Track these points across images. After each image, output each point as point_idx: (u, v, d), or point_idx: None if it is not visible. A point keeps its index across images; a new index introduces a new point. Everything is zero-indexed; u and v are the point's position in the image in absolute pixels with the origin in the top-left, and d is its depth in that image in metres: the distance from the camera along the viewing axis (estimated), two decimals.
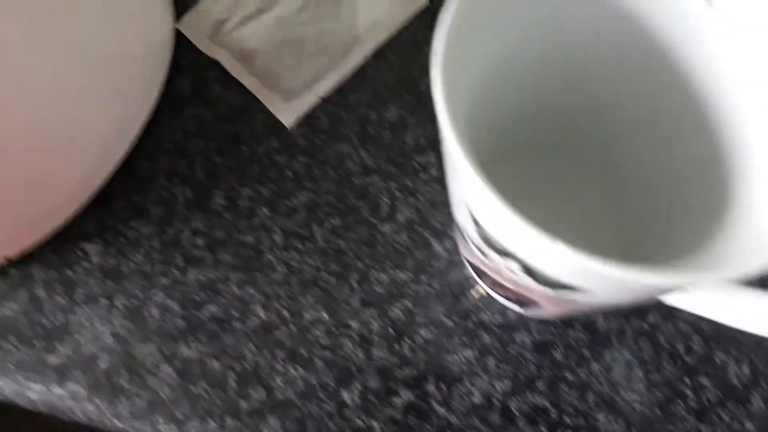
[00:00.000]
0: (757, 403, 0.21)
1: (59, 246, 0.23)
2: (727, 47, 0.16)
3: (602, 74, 0.19)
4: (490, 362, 0.22)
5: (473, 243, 0.18)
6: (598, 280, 0.14)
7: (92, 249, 0.23)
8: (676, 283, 0.13)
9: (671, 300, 0.18)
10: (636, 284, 0.14)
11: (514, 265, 0.16)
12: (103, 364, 0.21)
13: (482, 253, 0.18)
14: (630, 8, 0.17)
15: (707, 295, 0.18)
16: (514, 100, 0.21)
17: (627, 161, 0.22)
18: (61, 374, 0.21)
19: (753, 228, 0.15)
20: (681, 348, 0.22)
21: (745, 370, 0.22)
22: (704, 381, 0.22)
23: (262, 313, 0.22)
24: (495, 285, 0.20)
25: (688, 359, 0.22)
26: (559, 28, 0.18)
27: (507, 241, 0.15)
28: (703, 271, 0.13)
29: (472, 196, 0.15)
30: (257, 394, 0.21)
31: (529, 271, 0.16)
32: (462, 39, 0.15)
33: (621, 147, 0.22)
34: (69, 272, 0.22)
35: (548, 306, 0.20)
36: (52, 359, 0.22)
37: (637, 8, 0.17)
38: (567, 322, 0.22)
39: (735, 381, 0.22)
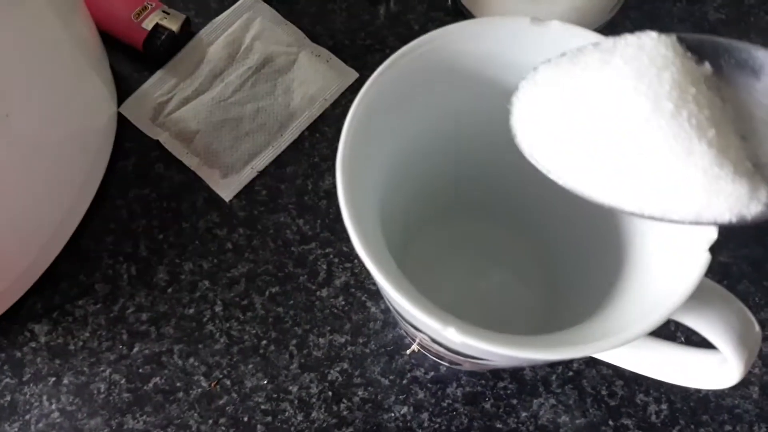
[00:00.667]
0: None
1: (6, 328, 0.23)
2: None
3: (513, 154, 0.21)
4: (425, 416, 0.23)
5: (394, 313, 0.19)
6: (489, 353, 0.15)
7: (39, 329, 0.24)
8: (558, 359, 0.15)
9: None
10: (526, 359, 0.15)
11: (425, 337, 0.18)
12: None
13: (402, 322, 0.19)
14: None
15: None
16: (438, 172, 0.22)
17: (547, 227, 0.24)
18: None
19: (645, 297, 0.17)
20: (604, 392, 0.24)
21: (664, 408, 0.24)
22: (627, 422, 0.23)
23: (204, 383, 0.23)
24: (421, 345, 0.22)
25: (611, 402, 0.24)
26: (468, 113, 0.20)
27: (413, 321, 0.16)
28: (585, 345, 0.15)
29: (377, 282, 0.16)
30: None
31: (437, 342, 0.17)
32: (365, 137, 0.17)
33: (539, 213, 0.23)
34: (17, 353, 0.23)
35: (468, 366, 0.21)
36: None
37: None
38: (495, 373, 0.24)
39: (655, 419, 0.23)
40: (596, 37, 0.17)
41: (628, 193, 0.11)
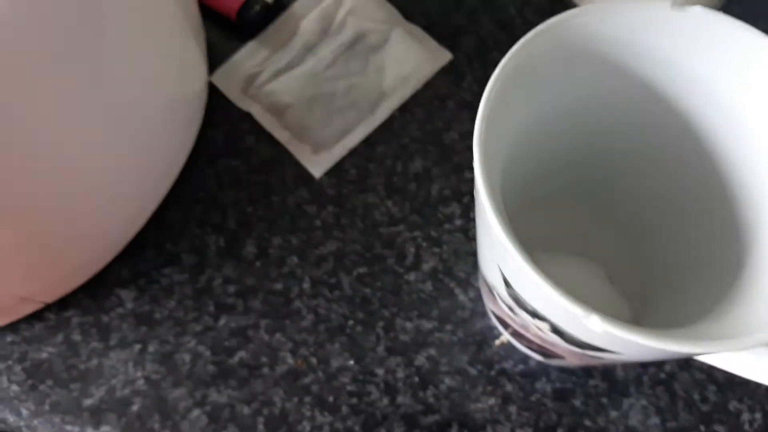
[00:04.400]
0: None
1: (94, 291, 0.23)
2: (757, 127, 0.17)
3: (629, 141, 0.21)
4: (512, 410, 0.22)
5: (502, 300, 0.19)
6: (627, 345, 0.15)
7: (126, 295, 0.23)
8: (700, 352, 0.14)
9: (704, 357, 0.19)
10: (662, 351, 0.15)
11: (543, 326, 0.17)
12: (135, 407, 0.22)
13: (511, 309, 0.19)
14: (654, 83, 0.18)
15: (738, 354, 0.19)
16: (548, 157, 0.22)
17: (653, 221, 0.23)
18: (96, 416, 0.22)
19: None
20: (696, 396, 0.23)
21: (758, 417, 0.23)
22: (719, 428, 0.22)
23: (290, 360, 0.23)
24: (518, 336, 0.21)
25: (703, 407, 0.23)
26: (590, 99, 0.19)
27: (539, 307, 0.16)
28: (725, 341, 0.14)
29: (507, 266, 0.16)
30: None
31: (558, 332, 0.17)
32: (499, 112, 0.16)
33: (649, 208, 0.22)
34: (104, 317, 0.23)
35: (572, 359, 0.20)
36: (87, 402, 0.22)
37: (660, 83, 0.18)
38: (587, 371, 0.23)
39: (748, 428, 0.22)
40: (743, 27, 0.16)
41: None
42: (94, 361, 0.23)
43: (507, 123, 0.17)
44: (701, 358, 0.19)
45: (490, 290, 0.20)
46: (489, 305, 0.22)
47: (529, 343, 0.21)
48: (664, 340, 0.13)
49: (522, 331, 0.20)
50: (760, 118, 0.17)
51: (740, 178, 0.19)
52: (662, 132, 0.20)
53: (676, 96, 0.18)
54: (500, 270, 0.17)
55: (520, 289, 0.16)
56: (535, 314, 0.17)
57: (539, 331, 0.18)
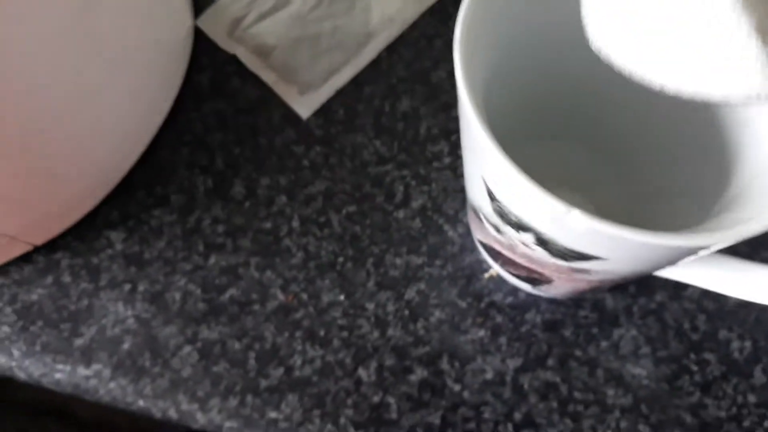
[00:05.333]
0: (758, 376, 0.22)
1: (83, 234, 0.23)
2: None
3: (613, 70, 0.20)
4: (502, 341, 0.22)
5: (488, 220, 0.19)
6: (611, 245, 0.15)
7: (116, 237, 0.23)
8: (682, 245, 0.14)
9: (681, 275, 0.19)
10: (643, 247, 0.15)
11: (528, 238, 0.17)
12: (126, 345, 0.22)
13: (497, 230, 0.19)
14: None
15: (710, 269, 0.19)
16: (529, 86, 0.21)
17: (641, 150, 0.23)
18: (87, 355, 0.22)
19: (755, 197, 0.16)
20: (687, 325, 0.23)
21: (747, 345, 0.23)
22: (709, 356, 0.23)
23: (281, 296, 0.23)
24: (507, 263, 0.21)
25: (693, 336, 0.23)
26: (575, 18, 0.19)
27: (522, 213, 0.16)
28: (703, 235, 0.14)
29: (488, 169, 0.16)
30: (276, 372, 0.22)
31: (543, 242, 0.17)
32: (479, 27, 0.16)
33: (635, 135, 0.22)
34: (93, 259, 0.23)
35: (560, 282, 0.20)
36: (78, 341, 0.22)
37: None
38: (576, 301, 0.23)
39: (737, 356, 0.23)
40: None
41: (689, 76, 0.12)
42: (84, 302, 0.23)
43: (489, 36, 0.17)
44: (667, 275, 0.19)
45: (477, 214, 0.20)
46: (477, 236, 0.22)
47: (518, 270, 0.21)
48: (643, 234, 0.13)
49: (509, 255, 0.20)
50: None
51: None
52: None
53: None
54: (484, 182, 0.17)
55: (502, 196, 0.16)
56: (519, 226, 0.17)
57: (525, 248, 0.18)
